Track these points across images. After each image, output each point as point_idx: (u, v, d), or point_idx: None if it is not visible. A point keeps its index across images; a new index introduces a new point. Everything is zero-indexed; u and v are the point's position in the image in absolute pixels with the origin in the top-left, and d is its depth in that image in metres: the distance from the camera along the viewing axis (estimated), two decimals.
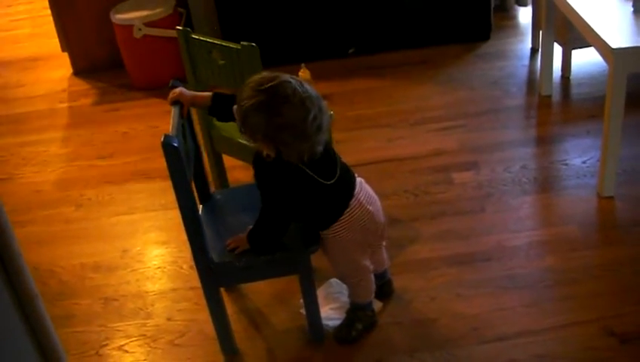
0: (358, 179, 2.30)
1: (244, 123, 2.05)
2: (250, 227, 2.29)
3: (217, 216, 2.55)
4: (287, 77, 2.03)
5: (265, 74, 2.05)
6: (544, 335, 2.42)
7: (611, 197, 3.02)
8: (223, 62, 2.72)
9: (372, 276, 2.45)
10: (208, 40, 2.73)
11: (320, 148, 2.08)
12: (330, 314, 2.59)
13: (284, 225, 2.25)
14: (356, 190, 2.25)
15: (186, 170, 2.13)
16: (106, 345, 2.64)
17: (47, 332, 1.47)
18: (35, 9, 6.21)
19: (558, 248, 2.80)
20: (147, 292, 2.86)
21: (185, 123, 2.35)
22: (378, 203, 2.35)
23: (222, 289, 2.53)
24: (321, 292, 2.64)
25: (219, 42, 2.70)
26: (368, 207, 2.27)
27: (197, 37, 2.77)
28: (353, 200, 2.23)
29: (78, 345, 2.64)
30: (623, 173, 3.12)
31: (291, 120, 1.99)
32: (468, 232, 2.93)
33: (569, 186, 3.14)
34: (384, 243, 2.55)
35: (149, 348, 2.60)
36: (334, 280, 2.69)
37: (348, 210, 2.22)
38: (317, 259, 2.40)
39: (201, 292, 2.39)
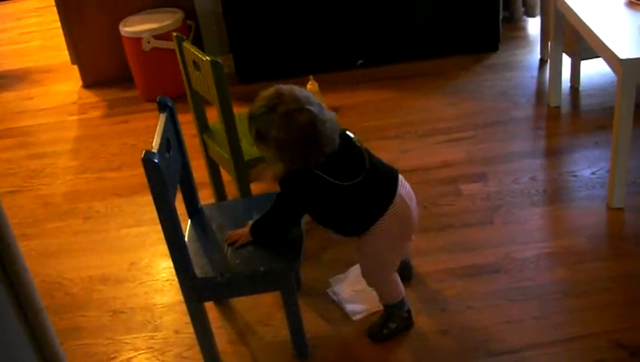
0: (400, 176, 2.34)
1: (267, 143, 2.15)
2: (251, 222, 2.35)
3: (204, 230, 2.53)
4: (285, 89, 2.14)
5: (271, 90, 2.15)
6: (554, 348, 2.41)
7: (621, 209, 3.00)
8: (198, 72, 2.74)
9: (396, 276, 2.44)
10: (191, 49, 2.75)
11: (329, 149, 2.15)
12: (352, 295, 2.62)
13: (292, 224, 2.31)
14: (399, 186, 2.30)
15: (169, 185, 2.12)
16: (114, 357, 2.64)
17: (51, 346, 1.47)
18: (45, 22, 6.26)
19: (568, 260, 2.78)
20: (155, 304, 2.86)
21: (171, 134, 2.35)
22: (415, 201, 2.36)
23: (210, 303, 2.52)
24: (352, 272, 2.69)
25: (196, 52, 2.71)
26: (408, 202, 2.30)
27: (186, 46, 2.79)
28: (396, 196, 2.26)
29: (85, 357, 2.64)
30: (633, 185, 3.10)
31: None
32: (476, 244, 2.92)
33: (578, 198, 3.13)
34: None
35: (157, 361, 2.59)
36: None
37: (392, 206, 2.25)
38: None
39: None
